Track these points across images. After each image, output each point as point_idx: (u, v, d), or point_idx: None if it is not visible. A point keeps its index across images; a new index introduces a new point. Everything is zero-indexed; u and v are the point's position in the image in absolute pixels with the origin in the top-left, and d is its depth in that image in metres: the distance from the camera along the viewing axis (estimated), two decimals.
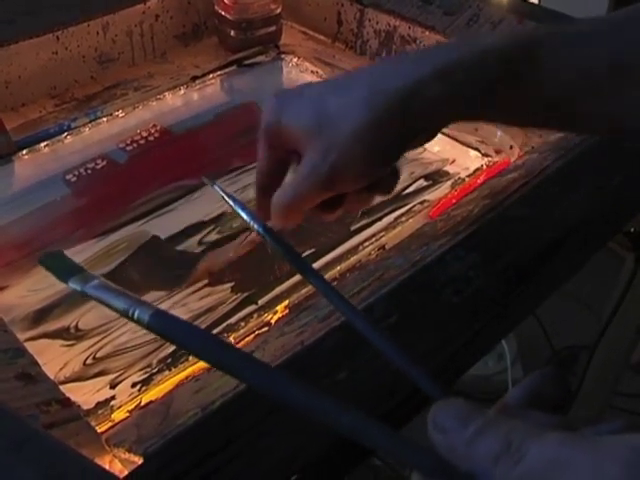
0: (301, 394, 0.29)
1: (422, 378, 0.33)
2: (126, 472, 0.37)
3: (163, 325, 0.33)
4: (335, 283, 0.55)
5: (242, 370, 0.30)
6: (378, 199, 0.68)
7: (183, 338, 0.33)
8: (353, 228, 0.65)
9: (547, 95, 0.43)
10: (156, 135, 0.76)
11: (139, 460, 0.37)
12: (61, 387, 0.44)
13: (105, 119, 0.77)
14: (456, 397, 0.27)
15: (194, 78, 0.83)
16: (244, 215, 0.40)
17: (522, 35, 0.44)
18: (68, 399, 0.41)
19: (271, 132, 0.44)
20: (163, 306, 0.58)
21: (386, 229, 0.64)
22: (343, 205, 0.46)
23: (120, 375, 0.52)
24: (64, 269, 0.40)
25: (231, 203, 0.41)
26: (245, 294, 0.59)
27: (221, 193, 0.41)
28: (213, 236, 0.64)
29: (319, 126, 0.42)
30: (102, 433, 0.41)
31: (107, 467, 0.37)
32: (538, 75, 0.42)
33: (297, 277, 0.59)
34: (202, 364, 0.49)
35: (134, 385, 0.51)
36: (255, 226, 0.41)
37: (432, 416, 0.26)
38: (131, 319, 0.34)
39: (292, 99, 0.44)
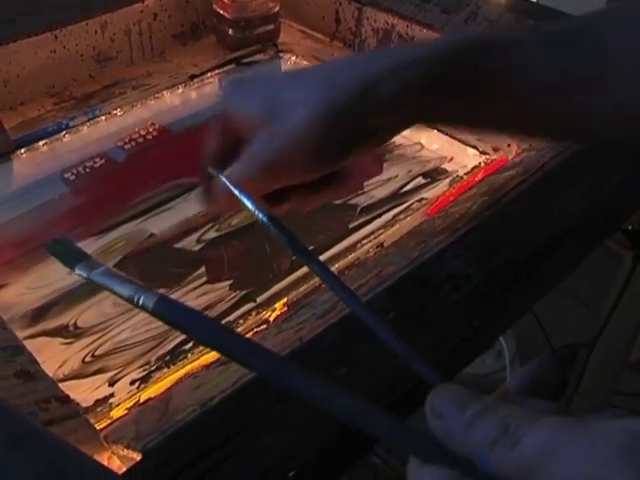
0: (300, 378, 0.29)
1: (425, 370, 0.33)
2: (125, 468, 0.37)
3: (167, 311, 0.34)
4: None
5: (245, 354, 0.30)
6: (378, 196, 0.68)
7: (187, 324, 0.33)
8: (351, 226, 0.65)
9: (509, 95, 0.41)
10: (155, 134, 0.76)
11: (138, 456, 0.37)
12: (60, 385, 0.43)
13: (104, 118, 0.77)
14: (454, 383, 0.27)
15: (192, 77, 0.83)
16: (249, 205, 0.41)
17: (484, 33, 0.44)
18: (67, 396, 0.41)
19: (223, 117, 0.45)
20: None
21: (384, 227, 0.64)
22: (289, 201, 0.46)
23: (119, 373, 0.52)
24: (70, 255, 0.40)
25: (237, 193, 0.42)
26: (244, 292, 0.59)
27: (227, 183, 0.42)
28: (211, 234, 0.64)
29: (268, 115, 0.42)
30: (101, 430, 0.41)
31: (106, 464, 0.37)
32: (500, 73, 0.41)
33: (295, 275, 0.59)
34: (200, 361, 0.49)
35: (133, 383, 0.51)
36: (260, 215, 0.42)
37: (430, 402, 0.26)
38: (136, 305, 0.34)
39: (246, 86, 0.44)
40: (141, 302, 0.34)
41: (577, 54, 0.41)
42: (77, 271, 0.38)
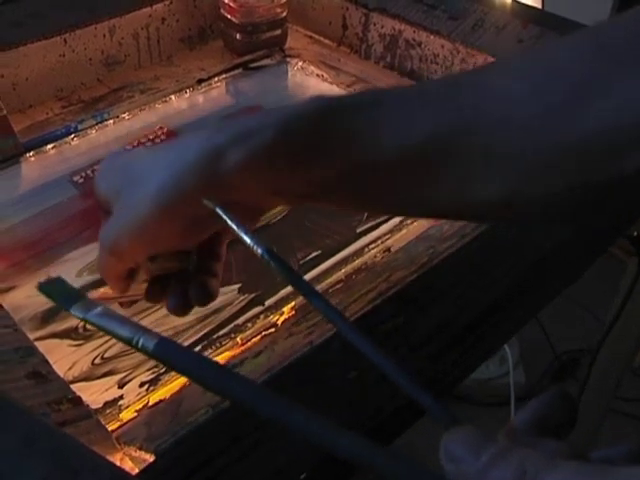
0: (304, 421, 0.29)
1: (424, 397, 0.32)
2: (137, 470, 0.37)
3: (168, 354, 0.33)
4: (341, 285, 0.56)
5: (249, 398, 0.30)
6: None
7: (189, 367, 0.32)
8: (359, 230, 0.66)
9: (360, 174, 0.37)
10: (162, 137, 0.76)
11: (150, 458, 0.37)
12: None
13: (112, 121, 0.78)
14: (467, 425, 0.27)
15: (200, 81, 0.84)
16: (246, 238, 0.39)
17: (344, 97, 0.38)
18: (79, 398, 0.41)
19: (95, 196, 0.42)
20: None
21: (391, 232, 0.64)
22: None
23: (128, 375, 0.52)
24: (65, 296, 0.39)
25: (233, 226, 0.41)
26: (252, 295, 0.59)
27: (223, 216, 0.41)
28: None
29: (119, 192, 0.39)
30: (112, 432, 0.42)
31: (118, 465, 0.38)
32: (350, 140, 0.36)
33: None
34: None
35: (142, 385, 0.51)
36: (259, 250, 0.40)
37: (444, 445, 0.26)
38: (135, 347, 0.34)
39: (109, 163, 0.42)
40: (140, 344, 0.33)
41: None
42: (72, 312, 0.38)
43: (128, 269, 0.42)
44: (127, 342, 0.34)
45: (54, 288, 0.41)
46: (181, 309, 0.43)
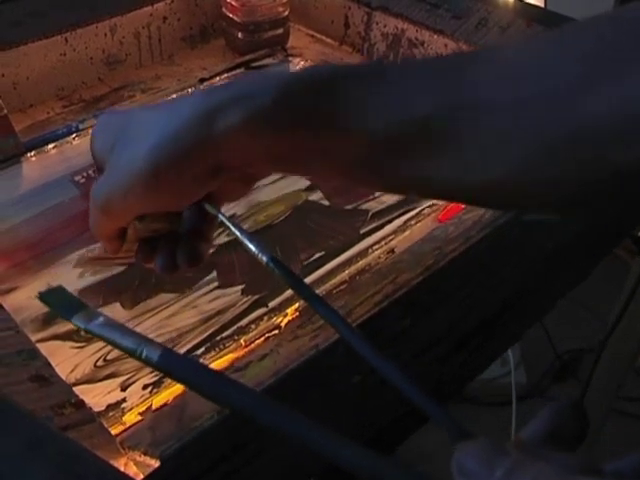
0: (306, 431, 0.28)
1: (427, 403, 0.32)
2: (141, 475, 0.37)
3: (172, 365, 0.33)
4: (345, 286, 0.55)
5: (255, 410, 0.29)
6: (389, 202, 0.68)
7: (194, 379, 0.32)
8: (363, 231, 0.65)
9: (353, 144, 0.35)
10: None
11: (155, 463, 0.37)
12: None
13: None
14: (479, 437, 0.26)
15: (201, 80, 0.83)
16: (250, 246, 0.39)
17: (344, 66, 0.37)
18: (82, 401, 0.41)
19: (92, 155, 0.42)
20: (173, 308, 0.58)
21: (395, 232, 0.64)
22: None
23: (131, 377, 0.52)
24: (66, 305, 0.39)
25: (237, 232, 0.40)
26: (255, 296, 0.58)
27: (226, 222, 0.40)
28: (223, 238, 0.64)
29: (112, 148, 0.39)
30: (115, 436, 0.41)
31: (122, 470, 0.37)
32: (340, 114, 0.35)
33: (307, 280, 0.59)
34: (214, 366, 0.49)
35: (145, 387, 0.51)
36: (264, 258, 0.39)
37: (456, 459, 0.26)
38: (138, 358, 0.33)
39: (105, 120, 0.42)
40: (144, 355, 0.33)
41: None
42: (74, 322, 0.37)
43: (119, 228, 0.42)
44: (130, 353, 0.33)
45: (55, 297, 0.40)
46: (169, 269, 0.42)
